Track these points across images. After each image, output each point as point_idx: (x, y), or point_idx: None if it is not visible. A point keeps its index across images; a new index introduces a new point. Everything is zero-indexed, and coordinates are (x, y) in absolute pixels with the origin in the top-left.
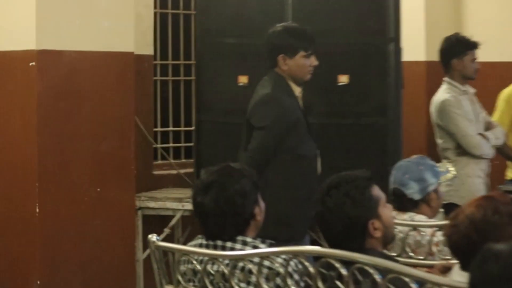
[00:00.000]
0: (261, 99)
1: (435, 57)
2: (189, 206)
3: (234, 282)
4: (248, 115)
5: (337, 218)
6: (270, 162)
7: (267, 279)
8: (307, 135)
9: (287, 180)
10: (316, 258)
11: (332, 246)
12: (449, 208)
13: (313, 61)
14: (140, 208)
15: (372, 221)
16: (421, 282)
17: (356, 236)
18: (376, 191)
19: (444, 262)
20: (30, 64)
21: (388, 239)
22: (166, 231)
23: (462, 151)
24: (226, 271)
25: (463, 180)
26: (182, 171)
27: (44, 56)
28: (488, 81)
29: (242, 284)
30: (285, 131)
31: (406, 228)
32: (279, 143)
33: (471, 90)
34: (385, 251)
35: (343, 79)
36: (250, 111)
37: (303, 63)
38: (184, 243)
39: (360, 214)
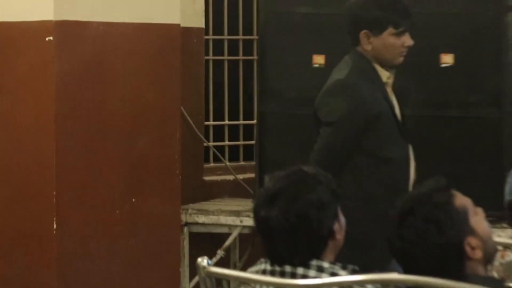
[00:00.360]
0: (331, 86)
1: None
2: (249, 221)
3: None
4: (315, 107)
5: (424, 251)
6: (343, 167)
7: None
8: (395, 132)
9: (367, 191)
10: None
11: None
12: None
13: (407, 40)
14: (187, 224)
15: (467, 241)
16: None
17: (452, 265)
18: (460, 200)
19: None
20: (47, 39)
21: (490, 255)
22: (220, 253)
23: None
24: None
25: None
26: (241, 176)
27: (64, 29)
28: None
29: None
30: (361, 129)
31: None
32: (352, 143)
33: None
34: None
35: (447, 60)
36: (318, 102)
37: (393, 42)
38: (243, 269)
39: (451, 238)
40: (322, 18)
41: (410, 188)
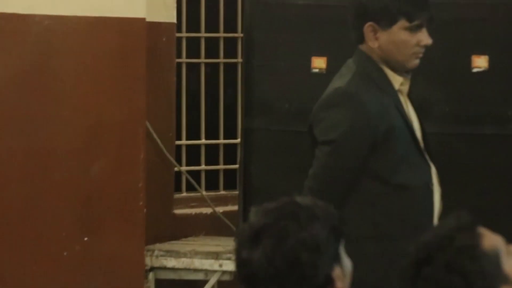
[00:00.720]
0: (329, 97)
1: None
2: (231, 265)
3: None
4: (310, 122)
5: None
6: (347, 197)
7: None
8: (413, 153)
9: (379, 227)
10: None
11: None
12: None
13: (423, 38)
14: (153, 268)
15: None
16: None
17: None
18: (489, 241)
19: None
20: None
21: None
22: None
23: None
24: None
25: None
26: (221, 209)
27: (4, 23)
28: None
29: None
30: (368, 149)
31: None
32: (357, 167)
33: None
34: None
35: (480, 63)
36: (313, 116)
37: (405, 39)
38: None
39: None
40: (324, 11)
41: (435, 221)
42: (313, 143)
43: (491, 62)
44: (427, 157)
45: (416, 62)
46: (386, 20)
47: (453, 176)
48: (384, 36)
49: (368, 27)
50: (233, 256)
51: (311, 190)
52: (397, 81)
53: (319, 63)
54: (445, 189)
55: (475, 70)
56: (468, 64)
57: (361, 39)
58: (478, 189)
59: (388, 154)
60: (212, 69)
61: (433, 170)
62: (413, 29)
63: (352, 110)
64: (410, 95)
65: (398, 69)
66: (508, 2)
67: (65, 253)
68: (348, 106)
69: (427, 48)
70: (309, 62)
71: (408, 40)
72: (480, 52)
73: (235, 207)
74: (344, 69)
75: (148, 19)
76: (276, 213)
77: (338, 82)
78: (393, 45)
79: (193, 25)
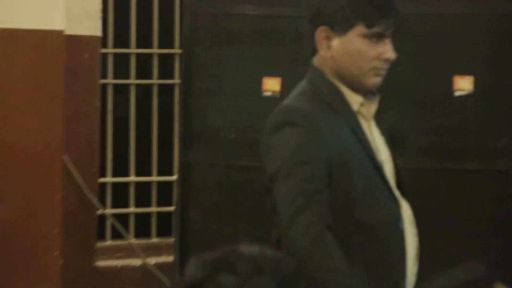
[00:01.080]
0: (272, 119)
1: None
2: None
3: None
4: (261, 158)
5: None
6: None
7: None
8: (378, 187)
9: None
10: None
11: None
12: None
13: (386, 50)
14: None
15: None
16: None
17: None
18: None
19: None
20: None
21: None
22: None
23: None
24: None
25: None
26: (153, 260)
27: None
28: None
29: None
30: (326, 170)
31: None
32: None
33: None
34: None
35: (463, 85)
36: (261, 148)
37: (361, 48)
38: None
39: None
40: (278, 22)
41: (409, 267)
42: (269, 190)
43: (477, 84)
44: (397, 194)
45: (376, 80)
46: (341, 25)
47: (431, 217)
48: (338, 44)
49: (320, 33)
50: None
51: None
52: (356, 101)
53: (271, 85)
54: (422, 231)
55: (457, 93)
56: (450, 86)
57: (314, 50)
58: (460, 232)
59: (345, 186)
60: (144, 91)
61: (405, 209)
62: (373, 38)
63: (299, 128)
64: (379, 121)
65: (357, 87)
66: (497, 13)
67: None
68: (295, 124)
69: (400, 65)
70: (260, 83)
71: (366, 50)
72: (464, 72)
73: (170, 258)
74: (295, 90)
75: (67, 32)
76: (214, 265)
77: (284, 102)
78: (348, 55)
79: (121, 39)
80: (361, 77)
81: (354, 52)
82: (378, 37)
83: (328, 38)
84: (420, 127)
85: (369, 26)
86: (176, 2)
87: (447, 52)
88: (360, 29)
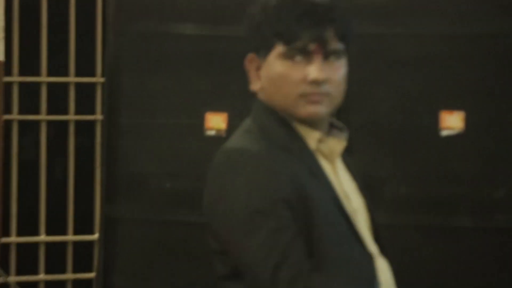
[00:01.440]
0: (213, 165)
1: None
2: None
3: None
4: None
5: None
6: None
7: None
8: (347, 239)
9: None
10: None
11: None
12: None
13: (312, 70)
14: None
15: None
16: None
17: None
18: None
19: None
20: None
21: None
22: None
23: None
24: None
25: None
26: None
27: None
28: None
29: None
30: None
31: None
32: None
33: None
34: None
35: (452, 122)
36: (204, 198)
37: (281, 72)
38: None
39: None
40: (225, 45)
41: None
42: (216, 245)
43: (468, 120)
44: (372, 249)
45: (312, 109)
46: (262, 47)
47: (413, 276)
48: (263, 72)
49: (249, 62)
50: None
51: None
52: (312, 137)
53: (216, 121)
54: None
55: (445, 133)
56: (435, 123)
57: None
58: None
59: (306, 239)
60: (58, 129)
61: (383, 268)
62: (296, 57)
63: (253, 171)
64: (349, 164)
65: (304, 121)
66: (491, 33)
67: None
68: (246, 167)
69: (374, 97)
70: (202, 120)
71: (288, 73)
72: (453, 106)
73: None
74: (239, 129)
75: None
76: None
77: (228, 143)
78: (272, 82)
79: (29, 65)
80: (291, 107)
81: (276, 77)
82: (305, 55)
83: (257, 66)
84: (399, 173)
85: (287, 42)
86: (98, 19)
87: (432, 81)
88: (279, 48)
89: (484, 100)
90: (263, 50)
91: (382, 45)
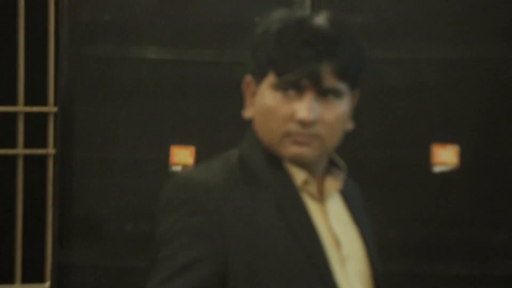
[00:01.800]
0: (161, 198)
1: None
2: None
3: None
4: None
5: None
6: None
7: None
8: (300, 283)
9: None
10: None
11: None
12: None
13: (299, 106)
14: None
15: None
16: None
17: None
18: None
19: None
20: None
21: None
22: None
23: None
24: None
25: None
26: None
27: None
28: None
29: None
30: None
31: None
32: None
33: None
34: None
35: (446, 157)
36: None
37: (270, 105)
38: None
39: None
40: (193, 71)
41: None
42: None
43: (463, 155)
44: None
45: (295, 150)
46: (257, 72)
47: None
48: (256, 99)
49: (246, 86)
50: None
51: None
52: (299, 176)
53: (182, 155)
54: None
55: (437, 169)
56: (427, 158)
57: None
58: None
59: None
60: (5, 164)
61: None
62: (288, 91)
63: (195, 210)
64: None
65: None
66: (489, 58)
67: None
68: (187, 203)
69: (360, 129)
70: (166, 154)
71: (276, 108)
72: (446, 139)
73: None
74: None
75: None
76: None
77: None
78: (260, 114)
79: None
80: (275, 145)
81: (264, 109)
82: (297, 90)
83: (253, 91)
84: (386, 215)
85: (279, 73)
86: (50, 41)
87: (423, 111)
88: (271, 78)
89: (480, 133)
90: (258, 76)
91: (370, 70)
